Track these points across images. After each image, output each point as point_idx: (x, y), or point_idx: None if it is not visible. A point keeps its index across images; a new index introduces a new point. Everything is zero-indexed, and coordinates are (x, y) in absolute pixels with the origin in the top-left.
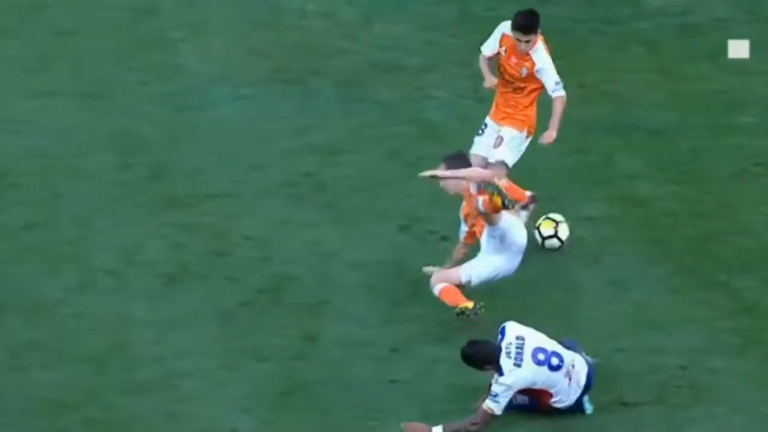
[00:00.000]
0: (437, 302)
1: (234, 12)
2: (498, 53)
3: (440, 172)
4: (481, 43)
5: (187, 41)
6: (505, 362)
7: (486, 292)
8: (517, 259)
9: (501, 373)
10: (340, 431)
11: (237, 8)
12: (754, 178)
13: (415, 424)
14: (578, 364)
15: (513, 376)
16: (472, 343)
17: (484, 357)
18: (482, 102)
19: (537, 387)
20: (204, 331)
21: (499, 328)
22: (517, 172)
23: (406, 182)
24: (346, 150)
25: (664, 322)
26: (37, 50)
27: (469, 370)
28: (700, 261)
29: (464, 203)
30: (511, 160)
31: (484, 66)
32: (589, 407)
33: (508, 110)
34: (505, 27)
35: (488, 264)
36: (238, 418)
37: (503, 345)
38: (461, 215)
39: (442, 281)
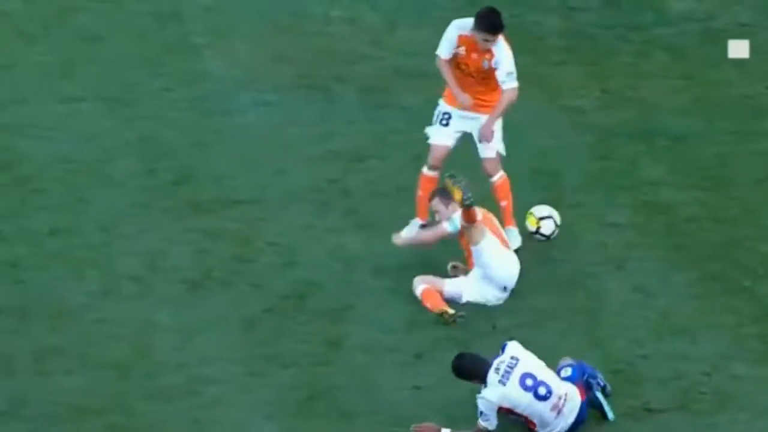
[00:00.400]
0: (459, 307)
1: (258, 18)
2: (455, 53)
3: (401, 241)
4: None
5: (212, 47)
6: (491, 377)
7: (509, 297)
8: (503, 295)
9: (486, 386)
10: None
11: (261, 14)
12: None
13: (425, 424)
14: (571, 397)
15: (496, 393)
16: (460, 357)
17: (469, 371)
18: None
19: (519, 411)
20: (228, 337)
21: (501, 345)
22: (541, 179)
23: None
24: (369, 156)
25: (688, 328)
26: (63, 56)
27: None
28: (724, 267)
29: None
30: (503, 148)
31: (449, 77)
32: (611, 414)
33: (485, 99)
34: (461, 27)
35: (474, 288)
36: (262, 425)
37: (496, 361)
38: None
39: (426, 283)
